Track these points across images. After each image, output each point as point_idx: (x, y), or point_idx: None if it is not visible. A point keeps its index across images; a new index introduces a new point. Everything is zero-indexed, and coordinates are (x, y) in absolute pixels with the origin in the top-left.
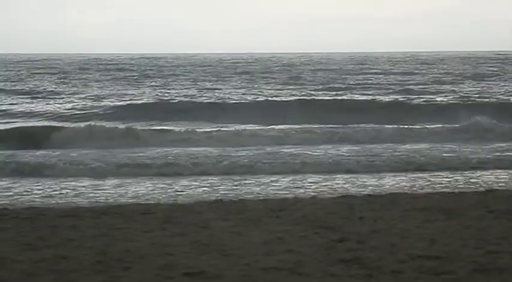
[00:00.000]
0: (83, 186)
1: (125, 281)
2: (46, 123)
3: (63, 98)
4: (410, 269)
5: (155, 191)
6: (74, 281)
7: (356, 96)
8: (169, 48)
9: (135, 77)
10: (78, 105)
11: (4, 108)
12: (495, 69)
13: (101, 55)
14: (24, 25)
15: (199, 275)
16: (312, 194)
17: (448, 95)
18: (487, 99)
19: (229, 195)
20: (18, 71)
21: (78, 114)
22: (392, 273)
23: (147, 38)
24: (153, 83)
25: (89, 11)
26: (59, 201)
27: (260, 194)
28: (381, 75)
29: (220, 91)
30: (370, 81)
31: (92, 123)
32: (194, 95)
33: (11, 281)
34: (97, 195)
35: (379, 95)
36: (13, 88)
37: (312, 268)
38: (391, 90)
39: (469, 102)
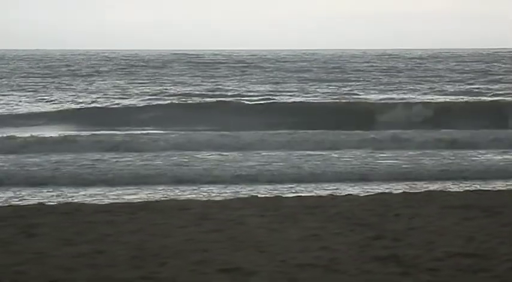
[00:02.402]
0: None
1: (161, 276)
2: None
3: None
4: (447, 266)
5: None
6: (111, 276)
7: None
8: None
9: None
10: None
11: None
12: None
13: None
14: (64, 23)
15: (235, 271)
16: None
17: None
18: None
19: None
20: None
21: None
22: (429, 271)
23: (185, 36)
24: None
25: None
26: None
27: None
28: None
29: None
30: None
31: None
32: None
33: (49, 276)
34: None
35: None
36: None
37: (348, 265)
38: None
39: None
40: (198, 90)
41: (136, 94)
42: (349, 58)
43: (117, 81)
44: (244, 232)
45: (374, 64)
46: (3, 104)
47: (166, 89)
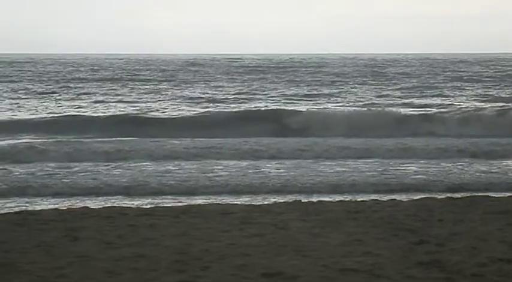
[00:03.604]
0: None
1: (203, 280)
2: None
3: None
4: (490, 272)
5: None
6: (153, 280)
7: None
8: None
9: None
10: None
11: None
12: None
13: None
14: (97, 26)
15: (277, 276)
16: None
17: None
18: None
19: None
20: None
21: None
22: (473, 276)
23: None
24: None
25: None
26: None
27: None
28: None
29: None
30: None
31: None
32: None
33: (92, 279)
34: None
35: None
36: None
37: (390, 270)
38: None
39: None
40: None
41: None
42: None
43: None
44: (286, 236)
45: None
46: None
47: None
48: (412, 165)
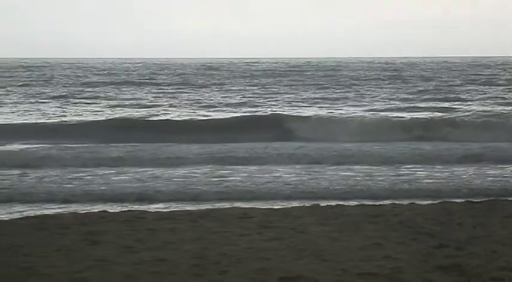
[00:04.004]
0: None
1: None
2: None
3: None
4: (510, 276)
5: None
6: None
7: None
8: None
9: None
10: None
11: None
12: None
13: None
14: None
15: (296, 280)
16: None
17: None
18: None
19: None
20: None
21: None
22: (492, 280)
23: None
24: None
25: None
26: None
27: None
28: None
29: None
30: None
31: None
32: None
33: None
34: None
35: None
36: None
37: (410, 274)
38: None
39: None
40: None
41: None
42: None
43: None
44: (305, 240)
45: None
46: None
47: None
48: (426, 170)
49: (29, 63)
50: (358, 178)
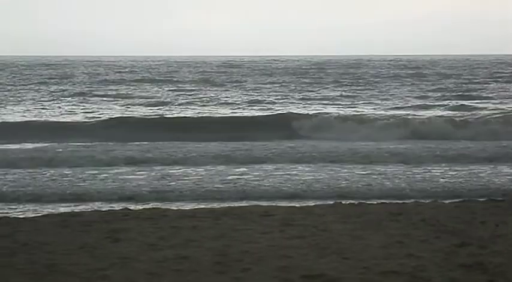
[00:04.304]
0: None
1: None
2: None
3: None
4: None
5: None
6: (195, 281)
7: None
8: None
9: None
10: None
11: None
12: None
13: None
14: (146, 27)
15: (318, 278)
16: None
17: None
18: None
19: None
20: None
21: None
22: None
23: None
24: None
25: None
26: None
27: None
28: None
29: None
30: None
31: None
32: None
33: (134, 280)
34: None
35: None
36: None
37: (432, 273)
38: None
39: None
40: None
41: None
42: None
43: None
44: (327, 239)
45: None
46: None
47: None
48: (445, 169)
49: (51, 61)
50: (377, 176)
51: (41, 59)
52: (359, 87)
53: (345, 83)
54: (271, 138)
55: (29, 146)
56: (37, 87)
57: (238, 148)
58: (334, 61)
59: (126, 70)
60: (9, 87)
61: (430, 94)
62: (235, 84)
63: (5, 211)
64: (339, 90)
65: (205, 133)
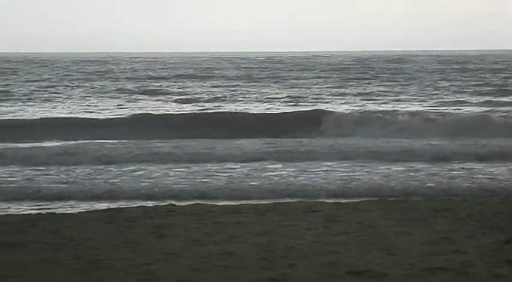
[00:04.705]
0: None
1: (290, 278)
2: None
3: None
4: None
5: None
6: (240, 277)
7: None
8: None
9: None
10: None
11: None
12: None
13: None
14: (176, 25)
15: (363, 274)
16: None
17: None
18: None
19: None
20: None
21: None
22: None
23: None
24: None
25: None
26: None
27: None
28: None
29: None
30: None
31: None
32: None
33: (178, 276)
34: None
35: None
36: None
37: (479, 269)
38: None
39: None
40: None
41: None
42: None
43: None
44: (372, 234)
45: None
46: None
47: None
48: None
49: (94, 57)
50: (417, 174)
51: (79, 55)
52: (405, 83)
53: (391, 78)
54: (312, 135)
55: (71, 143)
56: (83, 84)
57: (278, 144)
58: (377, 56)
59: (170, 66)
60: (58, 84)
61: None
62: (276, 80)
63: (52, 207)
64: (384, 85)
65: (244, 130)
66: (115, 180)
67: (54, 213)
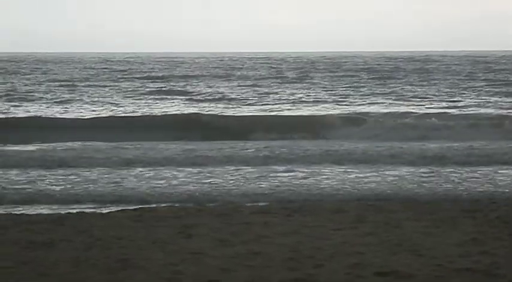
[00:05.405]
0: None
1: (317, 278)
2: None
3: None
4: None
5: None
6: (268, 277)
7: None
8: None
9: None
10: None
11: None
12: None
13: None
14: (217, 25)
15: (391, 275)
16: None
17: None
18: None
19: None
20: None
21: None
22: None
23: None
24: None
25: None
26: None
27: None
28: None
29: None
30: None
31: None
32: None
33: (206, 276)
34: None
35: None
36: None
37: (508, 270)
38: None
39: None
40: None
41: None
42: None
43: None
44: (400, 235)
45: None
46: None
47: None
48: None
49: (120, 57)
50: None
51: (102, 55)
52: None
53: (417, 78)
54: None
55: (102, 144)
56: (112, 84)
57: (302, 147)
58: (407, 57)
59: (196, 66)
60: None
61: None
62: (306, 81)
63: (83, 207)
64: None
65: (267, 131)
66: (145, 181)
67: (83, 212)
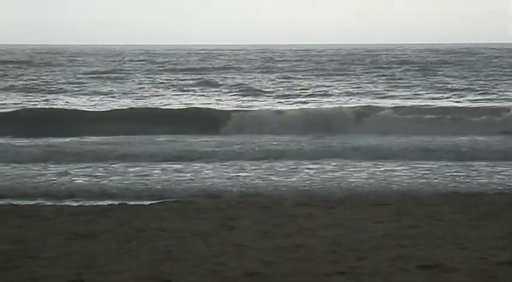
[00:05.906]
0: None
1: (360, 271)
2: None
3: None
4: None
5: None
6: (309, 270)
7: None
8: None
9: None
10: None
11: None
12: None
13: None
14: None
15: (435, 268)
16: None
17: None
18: None
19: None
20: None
21: None
22: None
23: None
24: None
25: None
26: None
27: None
28: None
29: None
30: None
31: None
32: None
33: (248, 268)
34: None
35: None
36: None
37: None
38: None
39: None
40: None
41: None
42: None
43: None
44: (443, 228)
45: None
46: None
47: None
48: None
49: (154, 50)
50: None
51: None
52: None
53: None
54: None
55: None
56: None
57: (329, 143)
58: (446, 49)
59: (226, 58)
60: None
61: None
62: (344, 74)
63: (125, 198)
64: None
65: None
66: (188, 175)
67: (125, 203)
